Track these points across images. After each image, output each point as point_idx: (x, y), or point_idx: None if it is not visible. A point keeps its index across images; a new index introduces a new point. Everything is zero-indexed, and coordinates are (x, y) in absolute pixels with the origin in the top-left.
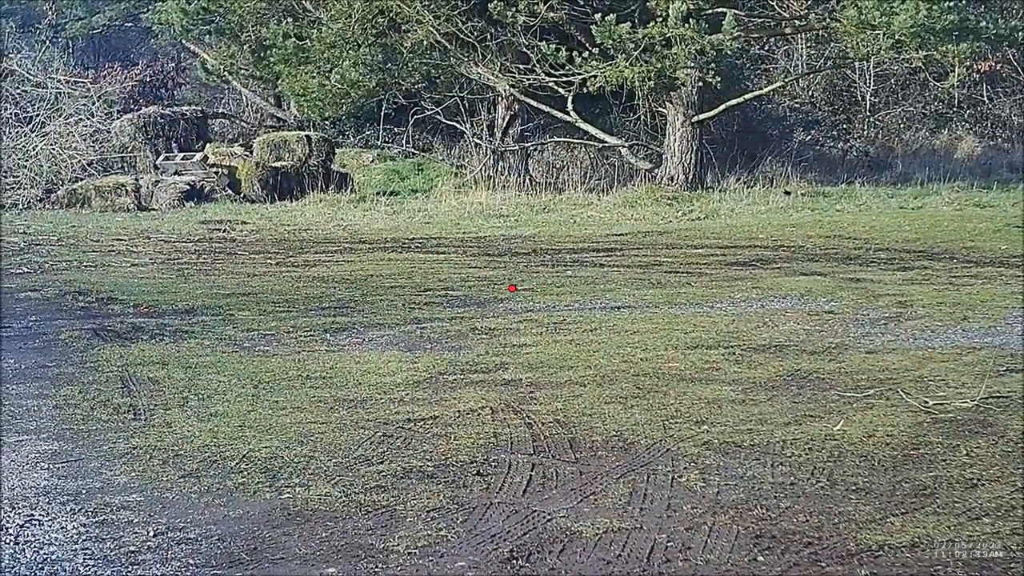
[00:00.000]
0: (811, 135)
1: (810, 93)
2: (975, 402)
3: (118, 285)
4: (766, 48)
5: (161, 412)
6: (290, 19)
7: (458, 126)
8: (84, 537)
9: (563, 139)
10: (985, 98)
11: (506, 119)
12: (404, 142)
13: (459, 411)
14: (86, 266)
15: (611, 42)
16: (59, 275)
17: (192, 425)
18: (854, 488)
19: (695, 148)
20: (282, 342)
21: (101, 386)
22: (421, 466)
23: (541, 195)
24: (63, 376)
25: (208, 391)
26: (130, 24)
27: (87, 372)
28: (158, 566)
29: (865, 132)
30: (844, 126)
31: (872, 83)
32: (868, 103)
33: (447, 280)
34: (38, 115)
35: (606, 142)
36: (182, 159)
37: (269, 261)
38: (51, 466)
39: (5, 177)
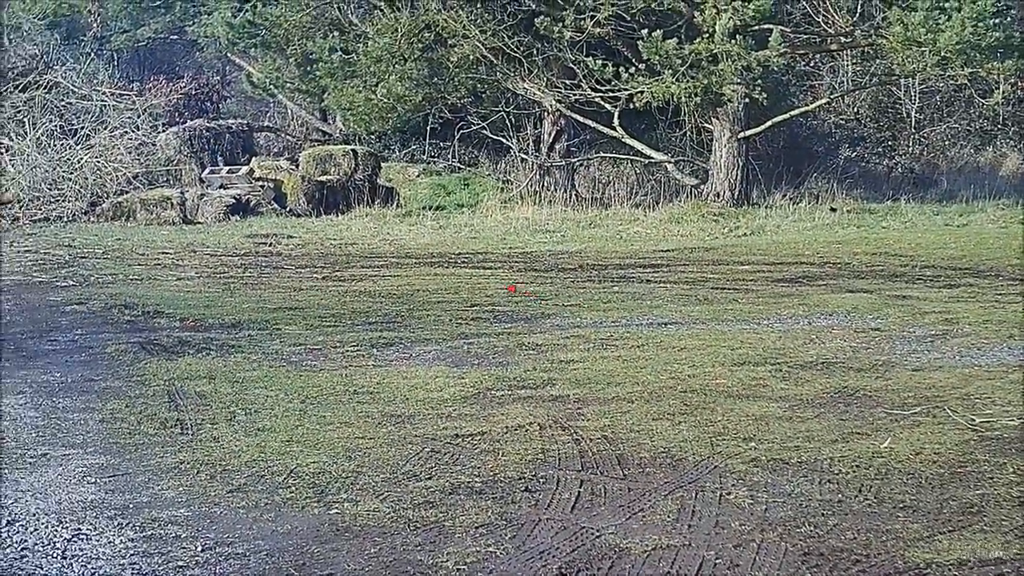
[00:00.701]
0: (856, 152)
1: (855, 110)
2: (1022, 420)
3: (164, 299)
4: (812, 64)
5: (208, 426)
6: (336, 33)
7: (504, 141)
8: (132, 552)
9: (609, 154)
10: None
11: (552, 134)
12: (450, 157)
13: (507, 427)
14: (132, 279)
15: (658, 58)
16: (105, 288)
17: (239, 440)
18: (902, 506)
19: (741, 164)
20: (329, 357)
21: (148, 400)
22: (469, 482)
23: (587, 210)
24: (110, 390)
25: (255, 406)
26: (175, 37)
27: (134, 386)
28: None
29: (910, 149)
30: (889, 143)
31: (917, 100)
32: (913, 120)
33: (494, 295)
34: (83, 128)
35: (652, 158)
36: (228, 172)
37: (315, 275)
38: (98, 480)
39: (50, 190)
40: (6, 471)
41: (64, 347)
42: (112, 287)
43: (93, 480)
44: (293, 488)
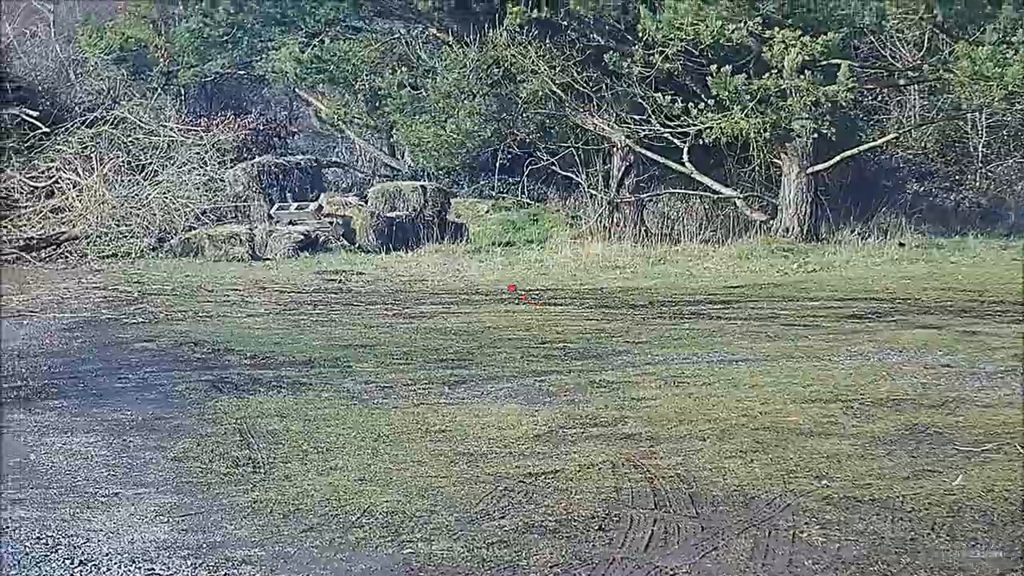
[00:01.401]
0: (924, 186)
1: (923, 144)
2: None
3: (234, 336)
4: (879, 99)
5: (281, 465)
6: (405, 68)
7: (573, 176)
8: None
9: (678, 190)
10: None
11: (621, 169)
12: (519, 192)
13: (579, 465)
14: (201, 316)
15: (727, 93)
16: (174, 325)
17: (312, 479)
18: (974, 543)
19: (810, 199)
20: (400, 394)
21: (219, 438)
22: (543, 521)
23: (657, 246)
24: (181, 428)
25: (327, 444)
26: (242, 72)
27: (205, 424)
28: None
29: (977, 183)
30: (956, 177)
31: (984, 134)
32: (980, 154)
33: (564, 332)
34: (151, 163)
35: (721, 193)
36: (296, 208)
37: (385, 312)
38: (171, 519)
39: (118, 225)
40: (78, 511)
41: (134, 385)
42: (181, 324)
43: (166, 519)
44: (367, 527)
